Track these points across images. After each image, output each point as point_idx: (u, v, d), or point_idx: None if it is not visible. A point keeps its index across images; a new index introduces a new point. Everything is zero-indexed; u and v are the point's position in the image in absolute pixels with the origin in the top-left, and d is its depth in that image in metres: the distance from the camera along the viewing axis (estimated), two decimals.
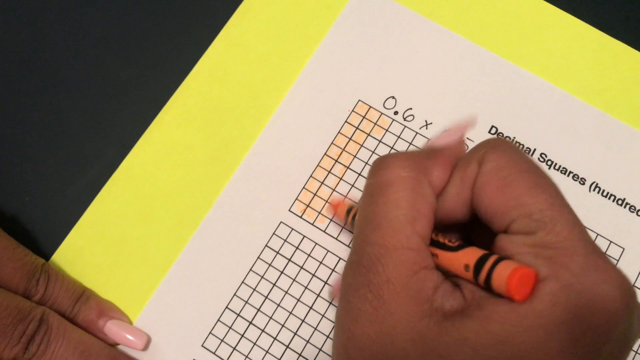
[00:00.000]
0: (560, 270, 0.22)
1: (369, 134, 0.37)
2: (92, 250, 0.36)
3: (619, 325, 0.21)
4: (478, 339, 0.22)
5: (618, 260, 0.35)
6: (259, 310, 0.34)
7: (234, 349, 0.34)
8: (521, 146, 0.37)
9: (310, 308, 0.34)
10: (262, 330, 0.34)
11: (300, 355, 0.34)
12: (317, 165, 0.37)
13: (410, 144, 0.37)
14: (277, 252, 0.35)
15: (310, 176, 0.37)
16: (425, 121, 0.37)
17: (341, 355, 0.25)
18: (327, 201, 0.36)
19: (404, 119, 0.37)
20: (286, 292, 0.35)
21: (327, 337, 0.34)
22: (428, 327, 0.22)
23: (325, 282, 0.35)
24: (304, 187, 0.36)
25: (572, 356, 0.21)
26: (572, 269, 0.22)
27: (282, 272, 0.35)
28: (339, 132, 0.37)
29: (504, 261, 0.23)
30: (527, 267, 0.22)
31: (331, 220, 0.36)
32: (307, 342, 0.34)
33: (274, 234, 0.36)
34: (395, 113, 0.37)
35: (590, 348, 0.21)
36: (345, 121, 0.37)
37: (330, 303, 0.34)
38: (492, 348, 0.21)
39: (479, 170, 0.25)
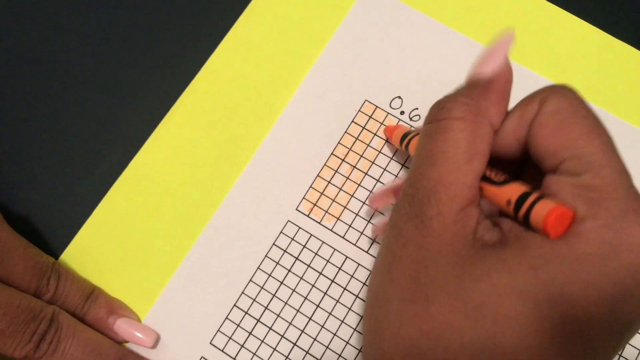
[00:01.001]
0: (599, 211, 0.23)
1: (375, 134, 0.37)
2: (101, 249, 0.36)
3: None
4: (514, 264, 0.23)
5: None
6: (266, 308, 0.35)
7: (242, 346, 0.34)
8: None
9: (317, 306, 0.35)
10: (270, 328, 0.34)
11: (307, 352, 0.34)
12: (324, 164, 0.37)
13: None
14: (285, 251, 0.36)
15: (317, 175, 0.37)
16: None
17: (384, 274, 0.26)
18: (333, 200, 0.36)
19: (410, 119, 0.38)
20: (293, 291, 0.35)
21: (334, 334, 0.34)
22: (469, 253, 0.24)
23: (332, 281, 0.35)
24: (311, 186, 0.37)
25: (602, 288, 0.22)
26: (610, 210, 0.23)
27: (289, 271, 0.35)
28: (345, 131, 0.38)
29: (544, 199, 0.24)
30: (565, 206, 0.23)
31: (350, 225, 0.36)
32: (314, 339, 0.34)
33: (281, 232, 0.36)
34: (402, 113, 0.38)
35: (623, 283, 0.22)
36: (352, 121, 0.38)
37: (337, 301, 0.35)
38: (525, 272, 0.23)
39: (539, 109, 0.26)
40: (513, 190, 0.25)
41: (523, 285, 0.23)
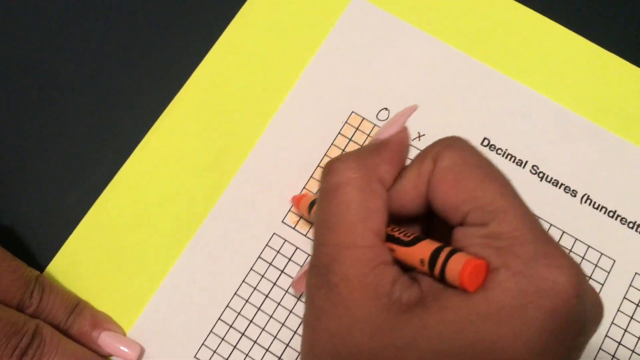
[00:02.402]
0: (510, 258, 0.23)
1: (362, 146, 0.37)
2: (87, 261, 0.36)
3: (571, 310, 0.22)
4: (435, 328, 0.22)
5: (609, 272, 0.35)
6: (251, 321, 0.35)
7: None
8: (513, 158, 0.37)
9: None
10: (255, 342, 0.34)
11: None
12: (311, 176, 0.37)
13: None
14: (270, 264, 0.36)
15: (304, 187, 0.37)
16: (418, 133, 0.37)
17: (307, 351, 0.26)
18: None
19: None
20: (278, 304, 0.35)
21: None
22: (386, 320, 0.23)
23: None
24: None
25: (528, 338, 0.22)
26: (521, 256, 0.23)
27: (274, 284, 0.35)
28: (332, 143, 0.38)
29: (457, 253, 0.23)
30: (478, 258, 0.23)
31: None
32: (300, 353, 0.34)
33: (267, 245, 0.36)
34: None
35: (547, 329, 0.22)
36: (339, 132, 0.38)
37: None
38: (449, 337, 0.22)
39: (434, 166, 0.25)
40: (424, 249, 0.25)
41: (450, 350, 0.22)
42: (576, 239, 0.36)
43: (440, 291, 0.23)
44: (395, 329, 0.23)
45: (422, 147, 0.37)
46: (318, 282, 0.25)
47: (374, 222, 0.25)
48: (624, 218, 0.36)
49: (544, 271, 0.22)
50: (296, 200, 0.36)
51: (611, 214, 0.36)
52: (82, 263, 0.36)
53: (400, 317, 0.23)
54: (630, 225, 0.36)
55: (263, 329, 0.35)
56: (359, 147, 0.37)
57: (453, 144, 0.26)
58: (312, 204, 0.34)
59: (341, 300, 0.24)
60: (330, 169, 0.26)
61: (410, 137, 0.28)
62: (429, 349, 0.22)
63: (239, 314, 0.35)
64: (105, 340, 0.33)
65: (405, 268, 0.25)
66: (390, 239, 0.26)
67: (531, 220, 0.24)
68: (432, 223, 0.28)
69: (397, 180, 0.27)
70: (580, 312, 0.22)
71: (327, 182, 0.26)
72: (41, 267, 0.36)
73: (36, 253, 0.36)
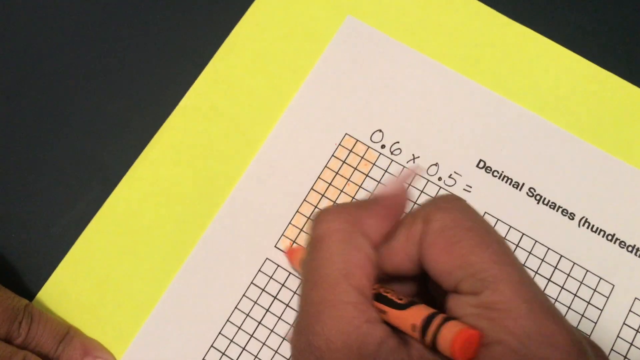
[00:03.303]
0: (503, 333, 0.21)
1: (355, 168, 0.37)
2: (77, 288, 0.35)
3: None
4: None
5: (608, 297, 0.34)
6: (244, 349, 0.34)
7: None
8: (509, 180, 0.36)
9: None
10: None
11: None
12: (304, 200, 0.37)
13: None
14: (263, 290, 0.35)
15: (297, 211, 0.36)
16: (413, 155, 0.37)
17: None
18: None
19: (391, 153, 0.37)
20: (271, 331, 0.34)
21: None
22: None
23: None
24: (290, 223, 0.36)
25: None
26: (515, 333, 0.21)
27: (267, 310, 0.35)
28: (325, 166, 0.37)
29: (450, 322, 0.23)
30: (471, 329, 0.22)
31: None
32: None
33: (259, 270, 0.35)
34: (383, 147, 0.37)
35: None
36: (332, 155, 0.37)
37: None
38: None
39: (424, 228, 0.24)
40: (417, 314, 0.24)
41: None
42: (574, 263, 0.35)
43: None
44: None
45: (417, 170, 0.36)
46: (300, 344, 0.24)
47: (357, 277, 0.24)
48: (622, 241, 0.35)
49: (539, 349, 0.21)
50: (290, 254, 0.35)
51: (610, 237, 0.35)
52: (72, 290, 0.35)
53: None
54: (630, 249, 0.35)
55: (256, 357, 0.34)
56: (352, 169, 0.37)
57: (444, 205, 0.25)
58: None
59: None
60: (316, 220, 0.25)
61: (407, 198, 0.26)
62: None
63: (231, 340, 0.34)
64: None
65: (395, 329, 0.24)
66: (382, 299, 0.25)
67: (527, 290, 0.22)
68: (428, 282, 0.27)
69: (388, 240, 0.25)
70: None
71: (312, 234, 0.25)
72: (31, 295, 0.35)
73: (26, 281, 0.36)
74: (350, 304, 0.23)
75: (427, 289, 0.27)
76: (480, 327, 0.22)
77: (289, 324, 0.34)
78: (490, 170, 0.36)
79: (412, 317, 0.24)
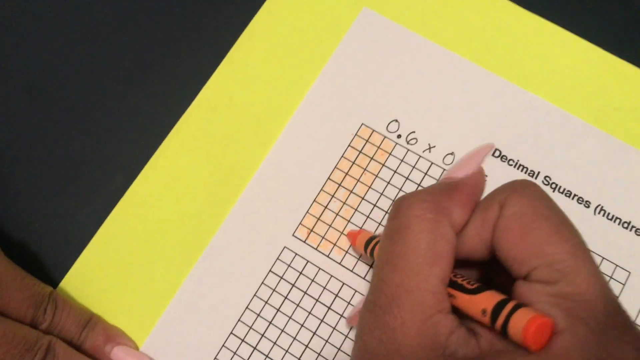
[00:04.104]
0: (577, 324, 0.21)
1: (372, 158, 0.37)
2: (99, 276, 0.36)
3: None
4: None
5: (624, 284, 0.34)
6: (263, 335, 0.35)
7: None
8: (524, 169, 0.36)
9: (314, 334, 0.35)
10: (266, 356, 0.34)
11: None
12: (321, 189, 0.37)
13: (414, 167, 0.37)
14: (281, 278, 0.36)
15: (314, 200, 0.37)
16: (429, 144, 0.37)
17: None
18: (330, 225, 0.36)
19: (407, 142, 0.37)
20: (290, 318, 0.35)
21: None
22: None
23: (329, 308, 0.35)
24: (307, 212, 0.37)
25: None
26: (589, 324, 0.21)
27: (285, 298, 0.35)
28: (342, 156, 0.37)
29: (522, 308, 0.22)
30: (545, 316, 0.22)
31: (346, 251, 0.36)
32: None
33: (277, 259, 0.36)
34: (399, 136, 0.38)
35: None
36: (349, 145, 0.38)
37: (334, 329, 0.35)
38: None
39: (500, 213, 0.24)
40: (488, 299, 0.24)
41: None
42: (590, 251, 0.35)
43: (500, 352, 0.22)
44: None
45: (433, 159, 0.37)
46: (373, 322, 0.24)
47: (441, 267, 0.24)
48: (638, 229, 0.35)
49: (612, 344, 0.21)
50: (352, 237, 0.35)
51: (625, 224, 0.35)
52: (94, 278, 0.36)
53: None
54: None
55: (275, 343, 0.35)
56: (369, 159, 0.37)
57: (522, 190, 0.24)
58: (368, 242, 0.33)
59: (396, 347, 0.23)
60: (400, 206, 0.25)
61: (485, 179, 0.26)
62: None
63: (250, 327, 0.35)
64: (118, 354, 0.34)
65: (462, 317, 0.24)
66: (452, 284, 0.25)
67: (602, 285, 0.22)
68: (492, 269, 0.26)
69: (463, 227, 0.25)
70: None
71: (396, 220, 0.25)
72: (55, 283, 0.36)
73: (50, 269, 0.36)
74: (430, 292, 0.24)
75: (491, 275, 0.27)
76: (554, 316, 0.22)
77: (306, 311, 0.35)
78: (506, 159, 0.37)
79: (483, 302, 0.24)
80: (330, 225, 0.36)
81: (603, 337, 0.21)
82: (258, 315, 0.35)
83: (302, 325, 0.35)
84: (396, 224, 0.25)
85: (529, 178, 0.36)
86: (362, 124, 0.38)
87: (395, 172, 0.37)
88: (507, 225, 0.24)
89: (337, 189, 0.37)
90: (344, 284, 0.35)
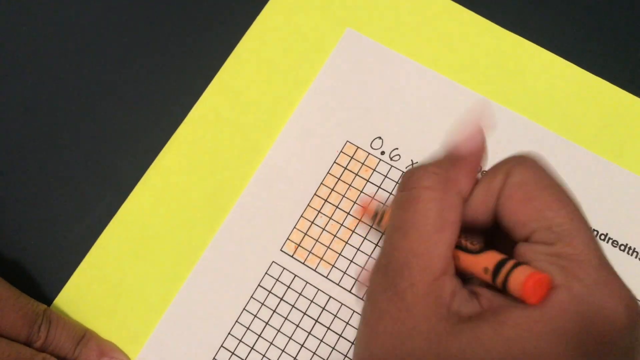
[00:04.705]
0: (572, 280, 0.23)
1: (357, 174, 0.38)
2: (93, 292, 0.37)
3: (623, 340, 0.23)
4: (491, 341, 0.23)
5: None
6: (252, 348, 0.36)
7: None
8: None
9: (302, 346, 0.36)
10: None
11: None
12: (308, 205, 0.38)
13: (397, 183, 0.38)
14: (270, 292, 0.37)
15: (301, 216, 0.38)
16: (412, 160, 0.38)
17: (362, 349, 0.27)
18: (317, 240, 0.37)
19: (391, 159, 0.38)
20: (278, 331, 0.36)
21: None
22: (445, 328, 0.24)
23: (316, 321, 0.36)
24: (294, 227, 0.38)
25: None
26: (584, 280, 0.23)
27: (274, 311, 0.36)
28: (328, 172, 0.39)
29: (522, 266, 0.24)
30: (542, 272, 0.24)
31: (333, 265, 0.37)
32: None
33: (266, 273, 0.37)
34: (382, 153, 0.39)
35: (597, 355, 0.23)
36: (334, 162, 0.39)
37: (321, 341, 0.36)
38: (503, 351, 0.23)
39: (504, 182, 0.26)
40: (490, 258, 0.25)
41: None
42: (600, 245, 0.36)
43: (499, 307, 0.24)
44: (451, 338, 0.24)
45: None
46: (384, 283, 0.26)
47: (448, 234, 0.26)
48: (615, 241, 0.36)
49: (604, 299, 0.23)
50: (362, 208, 0.36)
51: (602, 236, 0.36)
52: (88, 295, 0.37)
53: (457, 327, 0.24)
54: (622, 248, 0.36)
55: (264, 356, 0.36)
56: (353, 175, 0.38)
57: (525, 162, 0.26)
58: (375, 214, 0.35)
59: (405, 306, 0.25)
60: (410, 177, 0.27)
61: (486, 142, 0.28)
62: None
63: (240, 340, 0.36)
64: None
65: (464, 282, 0.26)
66: (456, 246, 0.27)
67: (596, 248, 0.24)
68: (494, 236, 0.28)
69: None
70: (633, 341, 0.23)
71: (405, 190, 0.27)
72: (49, 300, 0.37)
73: (44, 286, 0.37)
74: (438, 257, 0.25)
75: (493, 242, 0.28)
76: (550, 272, 0.24)
77: (294, 324, 0.36)
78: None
79: (485, 261, 0.25)
80: (317, 240, 0.37)
81: (597, 293, 0.23)
82: (247, 328, 0.36)
83: (290, 338, 0.36)
84: (407, 195, 0.27)
85: None
86: (347, 141, 0.39)
87: (379, 187, 0.38)
88: (511, 192, 0.26)
89: (323, 205, 0.38)
90: (330, 297, 0.36)
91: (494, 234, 0.29)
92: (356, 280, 0.36)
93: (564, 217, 0.25)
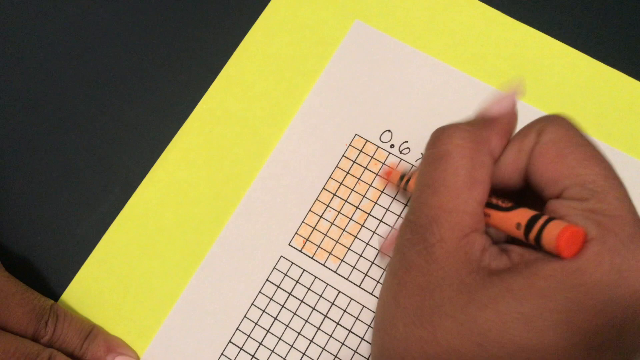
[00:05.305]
0: (608, 234, 0.23)
1: (366, 168, 0.38)
2: (100, 288, 0.37)
3: None
4: (522, 291, 0.23)
5: None
6: (260, 344, 0.35)
7: None
8: None
9: (311, 341, 0.35)
10: None
11: None
12: (316, 199, 0.38)
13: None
14: (278, 287, 0.36)
15: (310, 210, 0.37)
16: (421, 154, 0.38)
17: (389, 298, 0.27)
18: (325, 234, 0.37)
19: (400, 152, 0.38)
20: (287, 326, 0.36)
21: None
22: (475, 280, 0.24)
23: (325, 316, 0.36)
24: (303, 221, 0.37)
25: (610, 316, 0.22)
26: (619, 235, 0.23)
27: (282, 306, 0.36)
28: (336, 166, 0.38)
29: (555, 220, 0.24)
30: (577, 226, 0.23)
31: (342, 260, 0.36)
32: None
33: (274, 268, 0.37)
34: (392, 146, 0.38)
35: (631, 309, 0.23)
36: (343, 155, 0.38)
37: (330, 336, 0.35)
38: (535, 301, 0.23)
39: (537, 140, 0.26)
40: (522, 214, 0.25)
41: (529, 313, 0.23)
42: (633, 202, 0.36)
43: (531, 260, 0.24)
44: (482, 288, 0.24)
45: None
46: (414, 238, 0.26)
47: (479, 191, 0.26)
48: None
49: (638, 253, 0.23)
50: (387, 174, 0.36)
51: None
52: (95, 290, 0.37)
53: (488, 278, 0.24)
54: None
55: (272, 351, 0.35)
56: (362, 168, 0.38)
57: (558, 120, 0.26)
58: (402, 176, 0.35)
59: (434, 259, 0.25)
60: (441, 135, 0.27)
61: (517, 115, 0.29)
62: (508, 310, 0.23)
63: (248, 336, 0.36)
64: None
65: (494, 240, 0.26)
66: (487, 205, 0.27)
67: (630, 204, 0.24)
68: (522, 200, 0.28)
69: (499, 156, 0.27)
70: None
71: (436, 147, 0.27)
72: (56, 295, 0.37)
73: (52, 281, 0.37)
74: (468, 213, 0.26)
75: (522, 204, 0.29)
76: (585, 226, 0.24)
77: (303, 319, 0.36)
78: None
79: (517, 217, 0.25)
80: (325, 235, 0.37)
81: (631, 246, 0.23)
82: (256, 323, 0.36)
83: (299, 334, 0.35)
84: (437, 152, 0.27)
85: None
86: (356, 134, 0.39)
87: (388, 181, 0.38)
88: (543, 150, 0.26)
89: (332, 199, 0.38)
90: (339, 292, 0.36)
91: (520, 200, 0.29)
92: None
93: (598, 173, 0.24)
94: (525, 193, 0.28)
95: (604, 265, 0.23)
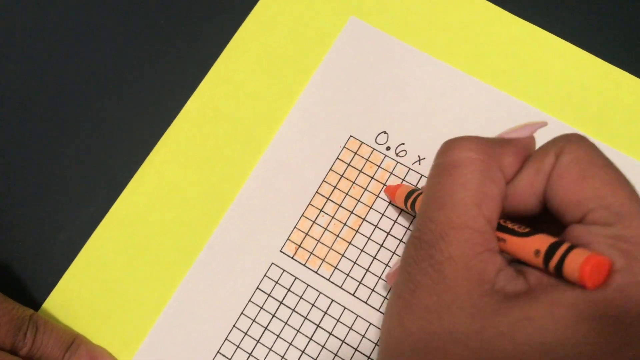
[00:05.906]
0: (635, 265, 0.22)
1: (361, 171, 0.36)
2: (84, 295, 0.35)
3: None
4: (543, 321, 0.22)
5: None
6: (250, 354, 0.34)
7: None
8: None
9: (303, 352, 0.34)
10: None
11: None
12: (309, 203, 0.36)
13: (403, 180, 0.36)
14: (269, 295, 0.35)
15: (302, 215, 0.36)
16: (418, 156, 0.36)
17: (395, 322, 0.25)
18: (318, 240, 0.35)
19: (397, 155, 0.37)
20: (278, 336, 0.34)
21: None
22: (489, 304, 0.23)
23: (318, 325, 0.34)
24: (295, 227, 0.36)
25: (634, 354, 0.21)
26: None
27: (273, 315, 0.35)
28: (330, 169, 0.37)
29: (578, 248, 0.23)
30: (602, 255, 0.22)
31: (335, 267, 0.35)
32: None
33: (265, 275, 0.35)
34: (388, 148, 0.37)
35: None
36: (337, 158, 0.37)
37: (323, 347, 0.34)
38: (557, 332, 0.21)
39: (556, 161, 0.25)
40: (541, 241, 0.24)
41: (551, 344, 0.21)
42: None
43: (551, 286, 0.23)
44: (497, 315, 0.22)
45: (422, 171, 0.36)
46: (419, 255, 0.24)
47: (489, 208, 0.24)
48: None
49: None
50: (391, 191, 0.35)
51: None
52: (79, 298, 0.35)
53: (504, 304, 0.22)
54: None
55: None
56: (357, 171, 0.36)
57: (577, 140, 0.25)
58: (408, 195, 0.33)
59: (442, 279, 0.23)
60: (451, 146, 0.26)
61: (535, 144, 0.27)
62: (525, 342, 0.22)
63: (238, 346, 0.34)
64: None
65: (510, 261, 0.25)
66: (502, 229, 0.25)
67: None
68: (538, 226, 0.27)
69: (514, 178, 0.26)
70: None
71: (445, 158, 0.25)
72: (38, 304, 0.35)
73: (33, 289, 0.36)
74: (478, 231, 0.24)
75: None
76: (611, 256, 0.22)
77: (295, 329, 0.34)
78: None
79: (536, 243, 0.24)
80: (318, 241, 0.36)
81: None
82: (245, 333, 0.34)
83: (290, 344, 0.34)
84: (446, 162, 0.25)
85: None
86: (351, 135, 0.37)
87: (384, 184, 0.36)
88: (564, 171, 0.24)
89: (325, 203, 0.36)
90: (333, 300, 0.35)
91: (537, 226, 0.27)
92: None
93: (624, 196, 0.23)
94: (539, 220, 0.27)
95: (632, 299, 0.21)
